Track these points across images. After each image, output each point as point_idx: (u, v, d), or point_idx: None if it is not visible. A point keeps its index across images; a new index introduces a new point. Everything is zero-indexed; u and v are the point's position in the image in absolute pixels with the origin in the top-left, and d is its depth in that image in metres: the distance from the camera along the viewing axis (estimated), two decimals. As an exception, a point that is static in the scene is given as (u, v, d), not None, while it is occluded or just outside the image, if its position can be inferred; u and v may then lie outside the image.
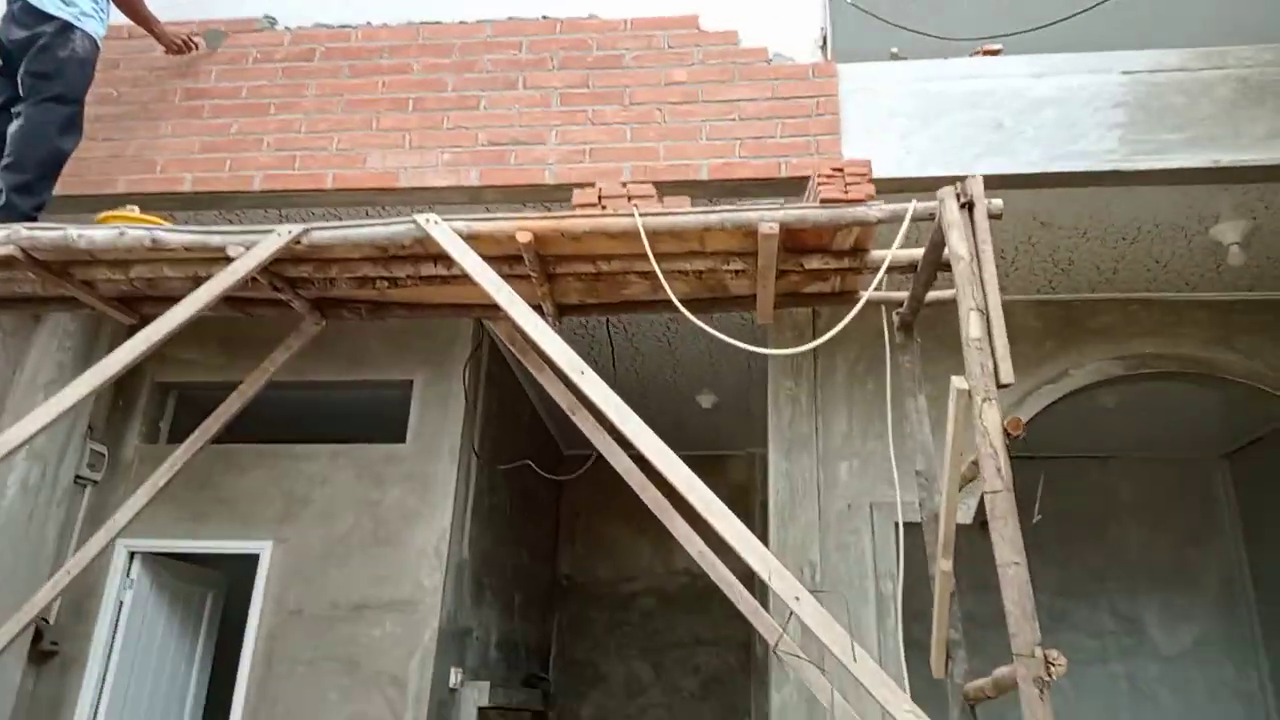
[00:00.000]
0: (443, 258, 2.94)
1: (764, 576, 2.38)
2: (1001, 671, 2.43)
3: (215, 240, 2.84)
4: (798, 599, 2.35)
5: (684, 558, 7.54)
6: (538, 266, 2.95)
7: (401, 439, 5.03)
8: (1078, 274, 4.55)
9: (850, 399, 4.90)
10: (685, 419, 7.23)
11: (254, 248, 2.82)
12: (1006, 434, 2.41)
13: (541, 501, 7.32)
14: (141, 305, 3.40)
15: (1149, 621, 6.83)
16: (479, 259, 2.75)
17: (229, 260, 2.84)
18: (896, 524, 4.58)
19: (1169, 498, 7.04)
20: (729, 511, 2.45)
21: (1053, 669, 2.22)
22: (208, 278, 2.88)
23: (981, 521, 2.45)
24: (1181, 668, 6.69)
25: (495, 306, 2.82)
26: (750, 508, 7.25)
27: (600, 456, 3.51)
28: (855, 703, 3.54)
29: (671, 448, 2.62)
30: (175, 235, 2.87)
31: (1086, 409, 5.99)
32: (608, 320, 4.97)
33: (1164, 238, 4.21)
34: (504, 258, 2.98)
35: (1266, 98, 3.63)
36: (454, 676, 4.84)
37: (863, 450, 4.79)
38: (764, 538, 4.94)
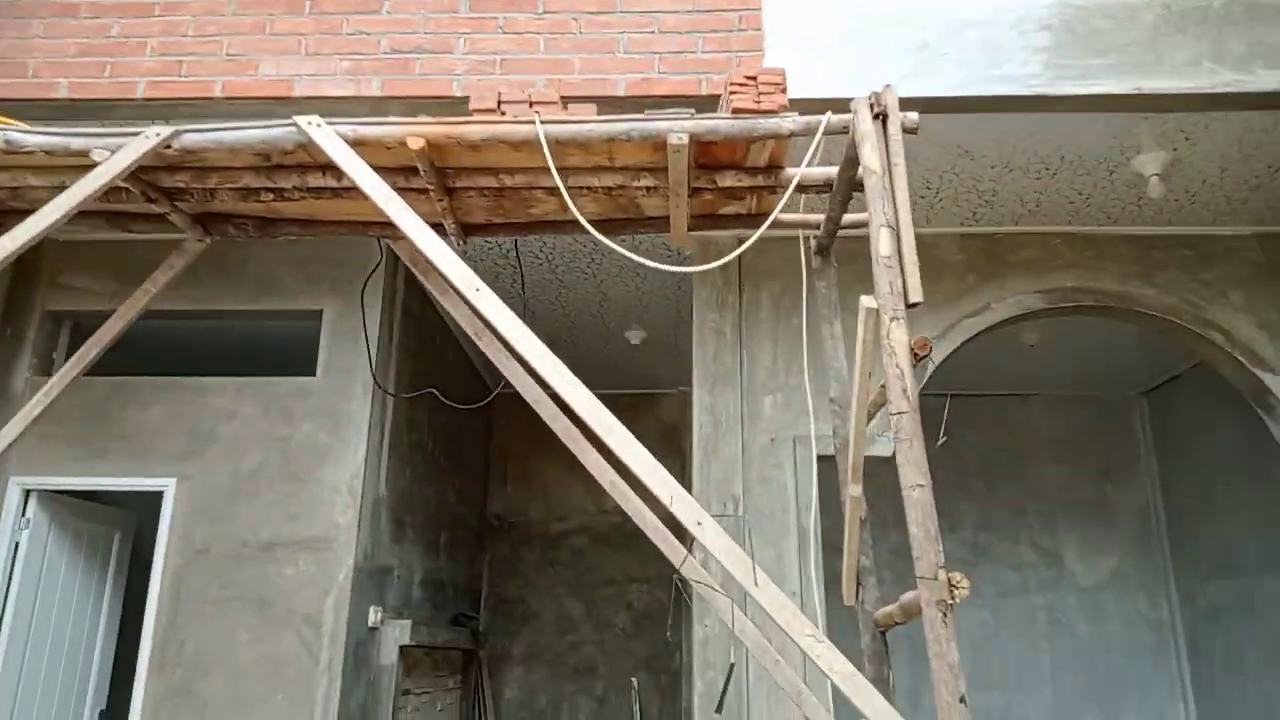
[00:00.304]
0: (331, 168, 2.74)
1: (665, 501, 2.29)
2: (908, 596, 2.39)
3: (77, 143, 2.60)
4: (699, 524, 2.27)
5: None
6: (434, 179, 2.77)
7: (312, 372, 4.84)
8: (1001, 206, 4.51)
9: (775, 333, 4.84)
10: (616, 357, 7.14)
11: (120, 151, 2.59)
12: (914, 354, 2.35)
13: (469, 442, 7.18)
14: (7, 219, 3.12)
15: (1068, 555, 7.02)
16: (367, 167, 2.57)
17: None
18: (819, 456, 4.59)
19: (1088, 435, 7.20)
20: (631, 436, 2.35)
21: (955, 591, 2.18)
22: (74, 187, 2.65)
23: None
24: (1098, 599, 6.91)
25: (395, 224, 2.65)
26: (682, 445, 7.24)
27: (510, 387, 3.38)
28: (777, 635, 3.54)
29: (603, 386, 2.51)
30: (32, 137, 2.62)
31: (1010, 347, 6.06)
32: (516, 242, 4.79)
33: (1086, 169, 4.18)
34: (399, 169, 2.80)
35: (1188, 24, 3.58)
36: (373, 615, 4.73)
37: (786, 384, 4.75)
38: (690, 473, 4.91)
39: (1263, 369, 4.37)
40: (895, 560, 6.70)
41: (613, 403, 2.37)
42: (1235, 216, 4.52)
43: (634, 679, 7.15)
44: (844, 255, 3.90)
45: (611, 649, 7.34)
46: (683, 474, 6.19)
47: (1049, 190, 4.35)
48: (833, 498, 3.63)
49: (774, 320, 4.86)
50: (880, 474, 5.38)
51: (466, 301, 2.75)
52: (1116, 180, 4.24)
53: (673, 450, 7.43)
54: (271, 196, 2.95)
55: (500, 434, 7.90)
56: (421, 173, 2.73)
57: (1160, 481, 7.01)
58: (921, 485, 2.20)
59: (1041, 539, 7.09)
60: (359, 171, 2.55)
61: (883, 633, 2.90)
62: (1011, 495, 7.13)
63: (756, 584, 2.17)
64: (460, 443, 6.91)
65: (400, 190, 2.73)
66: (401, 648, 4.86)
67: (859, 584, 2.93)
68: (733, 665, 3.65)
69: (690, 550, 3.67)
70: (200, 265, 5.05)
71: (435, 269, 2.80)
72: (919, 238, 2.51)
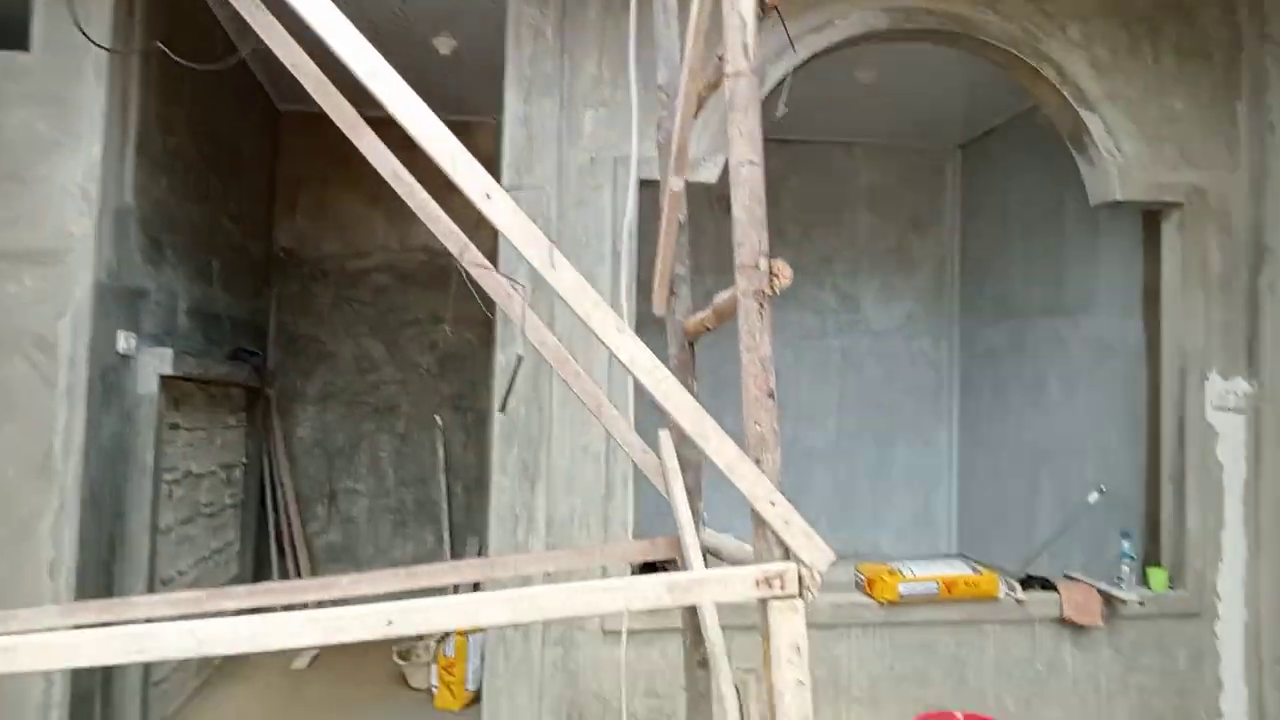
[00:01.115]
0: None
1: (448, 169, 1.87)
2: (722, 296, 2.15)
3: None
4: (488, 196, 1.87)
5: (423, 234, 6.94)
6: None
7: (26, 46, 3.85)
8: (858, -99, 4.03)
9: (603, 39, 4.28)
10: (424, 73, 6.24)
11: None
12: (760, 4, 1.95)
13: (249, 160, 6.28)
14: None
15: (866, 300, 7.28)
16: None
17: None
18: (642, 180, 4.24)
19: (902, 185, 7.27)
20: (405, 85, 1.86)
21: (776, 282, 1.95)
22: None
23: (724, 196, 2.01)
24: (889, 341, 7.28)
25: None
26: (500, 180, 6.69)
27: (295, 84, 2.71)
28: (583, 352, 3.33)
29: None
30: None
31: (841, 87, 5.81)
32: None
33: None
34: None
35: None
36: (124, 341, 4.13)
37: (612, 99, 4.28)
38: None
39: (1085, 107, 4.32)
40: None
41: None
42: (1086, -60, 4.28)
43: (438, 416, 6.98)
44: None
45: (415, 389, 7.08)
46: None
47: (909, -115, 3.90)
48: (653, 224, 3.34)
49: (602, 23, 4.28)
50: (699, 217, 5.13)
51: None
52: (979, -120, 3.84)
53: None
54: None
55: (289, 157, 6.97)
56: None
57: (961, 232, 7.26)
58: (753, 162, 1.89)
59: (845, 285, 7.29)
60: None
61: (690, 342, 2.71)
62: (824, 243, 7.20)
63: (553, 266, 1.84)
64: (239, 163, 6.02)
65: None
66: (164, 378, 4.32)
67: (672, 292, 2.69)
68: (520, 358, 3.40)
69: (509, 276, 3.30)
70: None
71: None
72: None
